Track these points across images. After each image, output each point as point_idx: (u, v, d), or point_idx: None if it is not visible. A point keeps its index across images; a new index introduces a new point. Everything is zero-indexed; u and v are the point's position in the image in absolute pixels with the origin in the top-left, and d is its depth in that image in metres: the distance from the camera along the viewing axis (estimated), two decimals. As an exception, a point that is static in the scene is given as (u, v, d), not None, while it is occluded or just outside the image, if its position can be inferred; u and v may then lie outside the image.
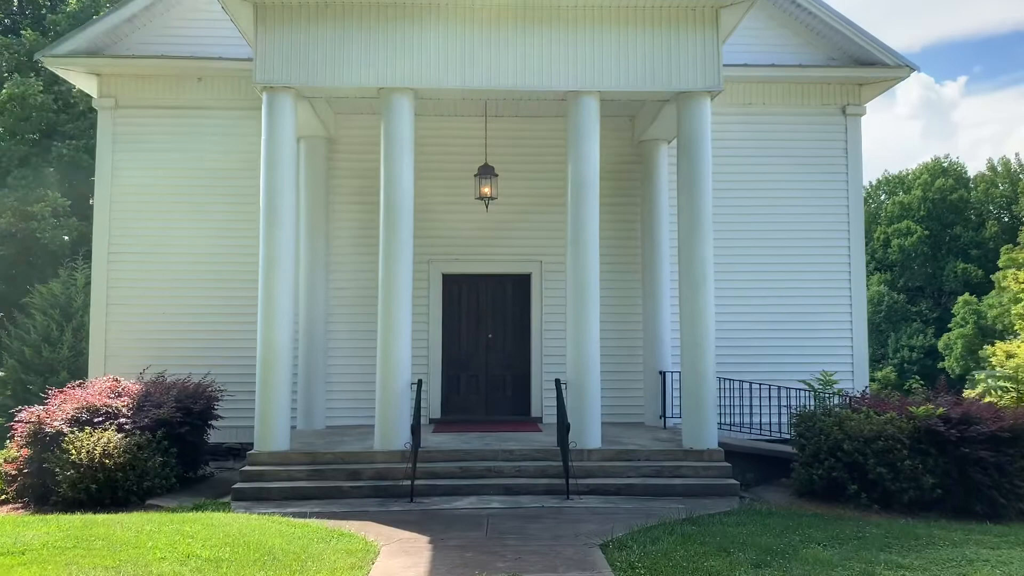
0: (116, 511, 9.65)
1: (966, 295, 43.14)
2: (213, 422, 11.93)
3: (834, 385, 11.82)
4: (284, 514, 9.29)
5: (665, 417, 12.90)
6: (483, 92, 11.45)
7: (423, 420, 13.22)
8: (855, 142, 14.06)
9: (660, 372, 13.11)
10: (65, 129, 22.74)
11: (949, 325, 43.33)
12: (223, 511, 9.56)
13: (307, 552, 7.54)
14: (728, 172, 13.51)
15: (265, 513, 9.32)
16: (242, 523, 8.59)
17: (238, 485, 10.21)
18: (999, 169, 49.96)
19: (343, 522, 8.92)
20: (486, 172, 12.73)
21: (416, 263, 13.33)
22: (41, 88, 22.26)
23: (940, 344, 43.53)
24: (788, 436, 12.65)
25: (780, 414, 12.67)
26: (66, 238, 22.39)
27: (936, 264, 47.72)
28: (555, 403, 12.88)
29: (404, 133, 11.04)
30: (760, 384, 12.82)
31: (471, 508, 9.51)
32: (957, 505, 9.86)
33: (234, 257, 13.29)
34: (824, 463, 10.14)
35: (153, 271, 13.52)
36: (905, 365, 44.47)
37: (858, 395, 11.70)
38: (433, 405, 13.58)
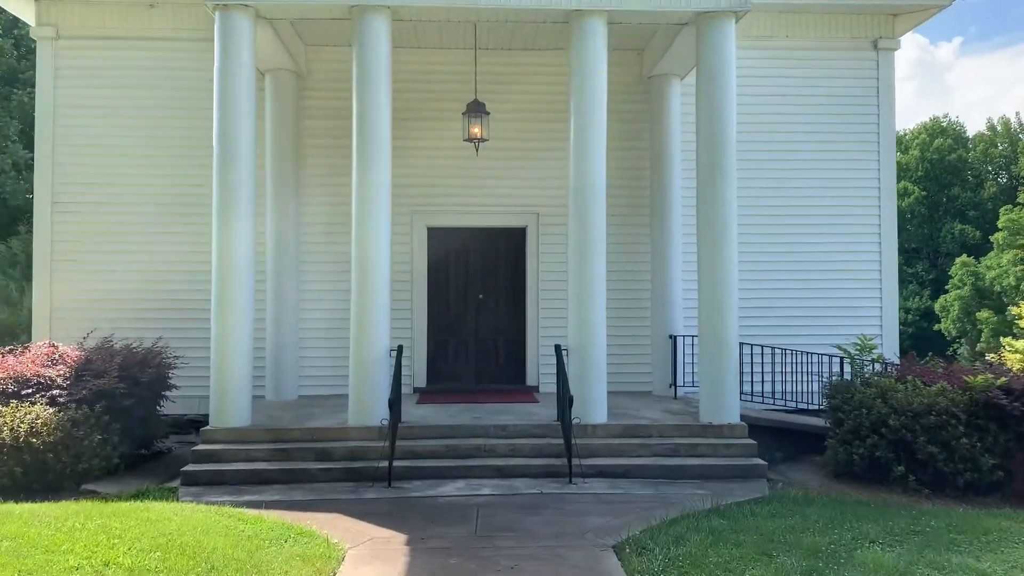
0: (46, 498, 8.08)
1: (964, 256, 41.69)
2: (167, 392, 10.33)
3: (872, 351, 10.27)
4: (238, 503, 7.76)
5: (676, 386, 11.37)
6: (471, 11, 9.67)
7: (406, 390, 11.67)
8: (887, 81, 12.37)
9: (670, 336, 11.56)
10: (27, 76, 20.82)
11: (946, 287, 41.97)
12: (168, 499, 8.01)
13: (254, 560, 6.00)
14: (745, 114, 11.80)
15: (216, 502, 7.78)
16: (184, 517, 7.03)
17: (188, 468, 8.65)
18: (999, 129, 48.23)
19: (306, 514, 7.39)
20: (476, 110, 11.02)
21: (398, 215, 11.69)
22: (0, 31, 20.31)
23: (937, 306, 42.21)
24: (812, 407, 11.17)
25: (801, 382, 11.16)
26: (29, 196, 20.65)
27: (933, 225, 46.17)
28: (553, 371, 11.35)
29: (380, 59, 9.32)
30: (778, 349, 11.29)
31: (458, 495, 7.99)
32: (1020, 490, 8.40)
33: (195, 207, 11.58)
34: (866, 440, 8.65)
35: (103, 223, 11.81)
36: (901, 328, 43.11)
37: (897, 363, 10.18)
38: (418, 373, 12.01)
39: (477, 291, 12.27)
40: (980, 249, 43.00)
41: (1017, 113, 59.62)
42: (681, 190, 11.79)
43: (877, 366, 10.07)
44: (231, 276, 9.20)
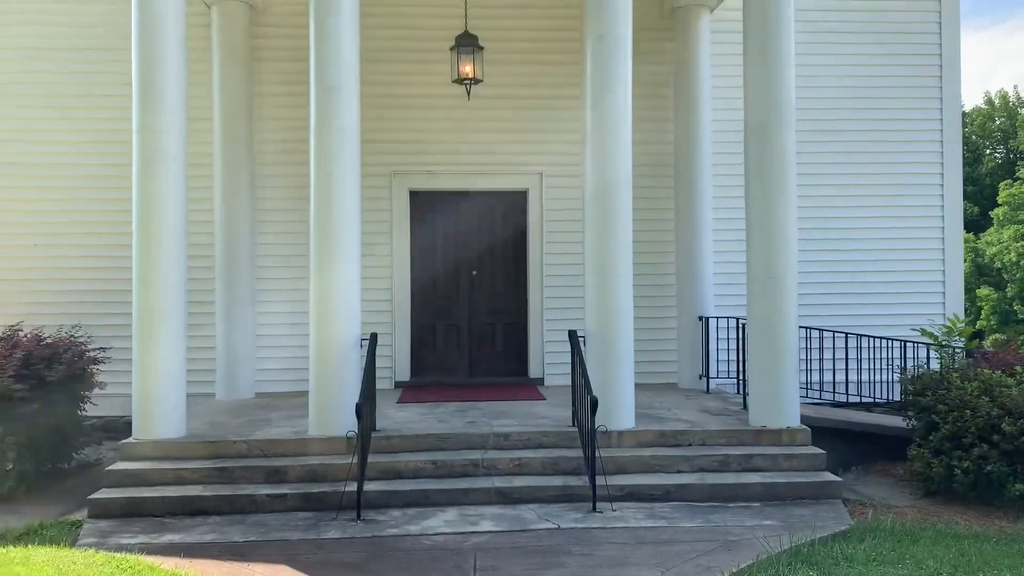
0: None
1: (963, 232, 39.83)
2: (89, 393, 8.16)
3: (962, 336, 8.19)
4: (154, 548, 5.64)
5: (708, 378, 9.28)
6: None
7: (385, 384, 9.57)
8: (952, 19, 10.26)
9: (700, 318, 9.47)
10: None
11: (946, 264, 40.04)
12: (61, 541, 5.86)
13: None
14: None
15: (125, 546, 5.65)
16: (64, 579, 4.90)
17: (100, 494, 6.50)
18: (996, 103, 46.22)
19: (244, 566, 5.29)
20: (467, 44, 8.83)
21: (374, 176, 9.55)
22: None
23: (936, 284, 40.32)
24: (870, 400, 9.15)
25: (861, 371, 9.12)
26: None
27: (931, 202, 44.21)
28: (561, 361, 9.34)
29: (344, -32, 7.12)
30: (828, 332, 9.23)
31: (450, 533, 5.89)
32: None
33: (124, 169, 9.34)
34: (971, 450, 6.59)
35: (19, 187, 9.59)
36: (899, 306, 41.25)
37: (990, 351, 8.13)
38: (400, 364, 9.88)
39: (470, 266, 10.13)
40: (979, 225, 41.18)
41: (1015, 87, 57.53)
42: (711, 145, 9.67)
43: (959, 355, 8.01)
44: (155, 241, 7.03)
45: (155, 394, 7.04)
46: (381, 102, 9.76)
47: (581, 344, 7.18)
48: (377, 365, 9.33)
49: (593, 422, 6.30)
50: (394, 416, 7.93)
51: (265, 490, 6.50)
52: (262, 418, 7.98)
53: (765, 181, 7.34)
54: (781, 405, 7.28)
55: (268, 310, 9.62)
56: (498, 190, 10.04)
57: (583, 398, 6.69)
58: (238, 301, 9.28)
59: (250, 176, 9.43)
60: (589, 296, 7.34)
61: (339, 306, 7.01)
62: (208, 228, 9.48)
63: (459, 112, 9.81)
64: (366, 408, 6.37)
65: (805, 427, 7.28)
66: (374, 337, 7.13)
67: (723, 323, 9.53)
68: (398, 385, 9.78)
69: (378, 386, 9.42)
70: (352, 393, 6.80)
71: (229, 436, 7.15)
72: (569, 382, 9.26)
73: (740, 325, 8.83)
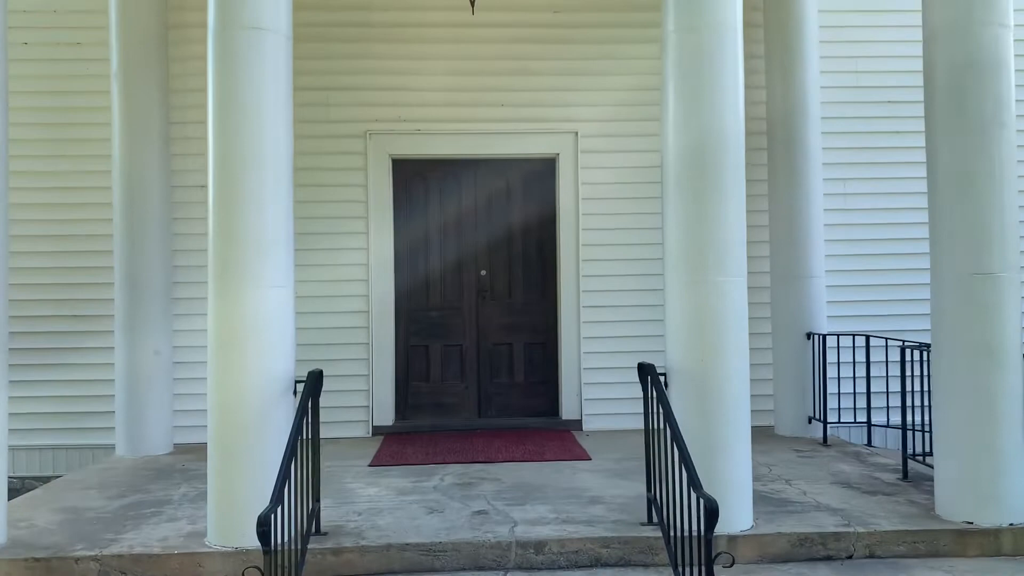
0: None
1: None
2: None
3: None
4: None
5: (825, 423, 6.26)
6: None
7: (359, 431, 6.70)
8: None
9: (808, 335, 6.47)
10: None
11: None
12: None
13: None
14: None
15: None
16: None
17: None
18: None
19: None
20: (470, -69, 5.88)
21: (343, 138, 6.68)
22: None
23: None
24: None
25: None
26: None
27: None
28: (605, 396, 6.68)
29: None
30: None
31: None
32: None
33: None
34: None
35: None
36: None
37: None
38: (381, 403, 6.89)
39: (477, 264, 7.16)
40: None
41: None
42: (819, 92, 6.68)
43: None
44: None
45: (-55, 479, 4.08)
46: (350, 33, 6.82)
47: (661, 385, 4.18)
48: (349, 405, 6.48)
49: (709, 549, 3.28)
50: (359, 496, 4.94)
51: (108, 664, 3.53)
52: (156, 498, 5.01)
53: (966, 112, 4.31)
54: (998, 487, 4.26)
55: (189, 326, 6.64)
56: (516, 156, 7.06)
57: (668, 476, 3.72)
58: (145, 317, 6.32)
59: (160, 121, 6.46)
60: (673, 309, 4.33)
61: (254, 338, 4.02)
62: (101, 214, 6.58)
63: (459, 48, 6.87)
64: (283, 516, 3.38)
65: (1040, 527, 4.27)
66: (313, 378, 4.12)
67: (843, 343, 6.52)
68: (377, 432, 6.80)
69: (350, 435, 6.54)
70: (273, 472, 3.80)
71: (73, 547, 4.16)
72: (619, 426, 6.37)
73: (887, 347, 5.89)
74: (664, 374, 4.31)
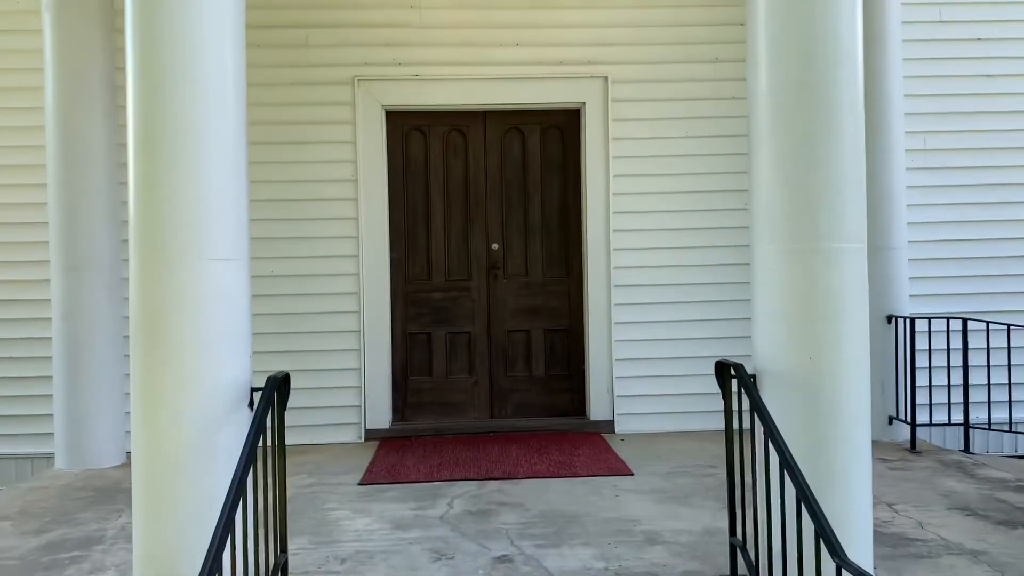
0: None
1: None
2: None
3: None
4: None
5: (914, 424, 5.12)
6: None
7: (350, 436, 5.59)
8: None
9: (890, 318, 5.32)
10: None
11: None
12: None
13: None
14: None
15: None
16: None
17: None
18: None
19: None
20: None
21: (326, 86, 5.49)
22: None
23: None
24: None
25: None
26: None
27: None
28: (641, 392, 5.40)
29: None
30: None
31: None
32: None
33: None
34: None
35: None
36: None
37: None
38: (375, 403, 5.71)
39: (488, 236, 5.97)
40: None
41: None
42: (900, 28, 5.48)
43: None
44: None
45: None
46: (333, -42, 5.61)
47: (757, 393, 3.02)
48: (337, 405, 5.38)
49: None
50: (344, 532, 3.79)
51: None
52: (84, 534, 3.85)
53: None
54: None
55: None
56: (534, 107, 5.85)
57: (762, 512, 2.58)
58: (90, 303, 5.14)
59: (107, 88, 5.25)
60: (766, 288, 3.15)
61: (190, 331, 2.82)
62: (34, 178, 5.39)
63: (466, -27, 5.65)
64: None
65: None
66: (273, 385, 2.94)
67: (935, 326, 5.37)
68: (371, 436, 5.64)
69: (339, 440, 5.45)
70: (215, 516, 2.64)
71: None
72: (659, 428, 5.34)
73: (988, 331, 4.77)
74: (753, 373, 3.16)
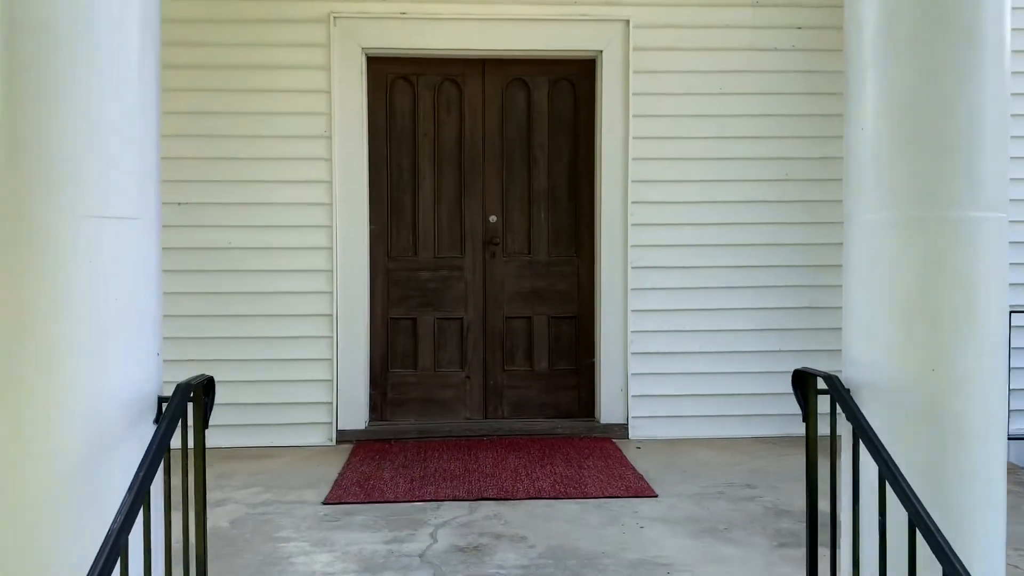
0: None
1: None
2: None
3: None
4: None
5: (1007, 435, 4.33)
6: None
7: (318, 438, 4.71)
8: None
9: (958, 312, 4.50)
10: None
11: None
12: None
13: None
14: None
15: None
16: None
17: None
18: None
19: None
20: None
21: (295, 24, 4.50)
22: None
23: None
24: None
25: None
26: None
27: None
28: (658, 392, 4.55)
29: None
30: None
31: None
32: None
33: None
34: None
35: None
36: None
37: None
38: (349, 399, 4.86)
39: (485, 206, 5.10)
40: None
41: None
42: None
43: None
44: None
45: None
46: None
47: (859, 411, 2.19)
48: (302, 401, 4.54)
49: None
50: (294, 574, 2.96)
51: None
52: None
53: None
54: None
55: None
56: (542, 55, 4.97)
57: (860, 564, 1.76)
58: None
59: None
60: (865, 271, 2.32)
61: (69, 317, 1.99)
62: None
63: None
64: None
65: None
66: (184, 394, 2.09)
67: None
68: (344, 439, 4.79)
69: (305, 442, 4.61)
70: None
71: None
72: (680, 434, 4.71)
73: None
74: (848, 385, 2.32)
